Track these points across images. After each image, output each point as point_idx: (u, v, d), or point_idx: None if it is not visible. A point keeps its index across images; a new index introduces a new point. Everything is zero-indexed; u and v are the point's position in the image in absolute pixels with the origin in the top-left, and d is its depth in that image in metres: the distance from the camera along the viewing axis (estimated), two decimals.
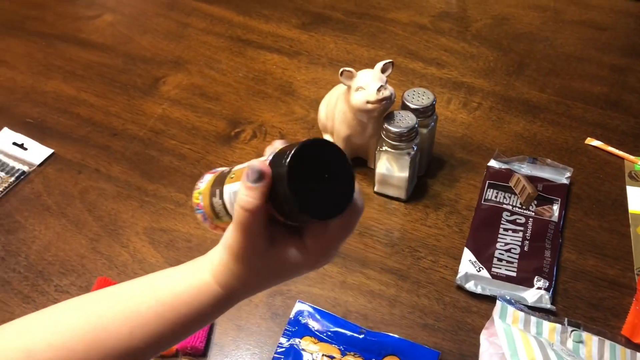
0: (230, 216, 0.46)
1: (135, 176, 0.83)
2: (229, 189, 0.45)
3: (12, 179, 0.82)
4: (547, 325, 0.64)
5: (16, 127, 0.89)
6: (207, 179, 0.49)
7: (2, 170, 0.83)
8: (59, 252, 0.74)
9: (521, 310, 0.65)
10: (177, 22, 1.08)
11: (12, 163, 0.84)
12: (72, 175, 0.83)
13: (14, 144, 0.87)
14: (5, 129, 0.89)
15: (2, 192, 0.81)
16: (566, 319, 0.64)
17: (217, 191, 0.46)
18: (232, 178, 0.45)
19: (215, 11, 1.10)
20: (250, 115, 0.91)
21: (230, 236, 0.42)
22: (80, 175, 0.83)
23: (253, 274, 0.43)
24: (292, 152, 0.39)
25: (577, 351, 0.62)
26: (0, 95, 0.95)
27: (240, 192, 0.40)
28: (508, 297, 0.66)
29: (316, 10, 1.10)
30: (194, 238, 0.75)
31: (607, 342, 0.63)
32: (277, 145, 0.44)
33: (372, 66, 0.74)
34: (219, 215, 0.47)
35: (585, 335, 0.63)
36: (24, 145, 0.87)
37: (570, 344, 0.62)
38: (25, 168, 0.84)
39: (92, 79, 0.97)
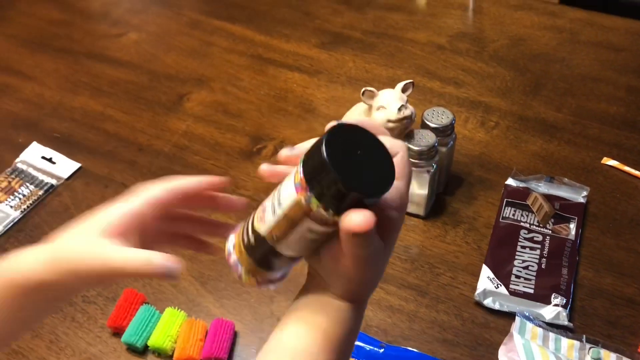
0: (291, 259, 0.42)
1: None
2: (295, 235, 0.40)
3: (41, 192, 0.85)
4: (565, 341, 0.65)
5: (45, 141, 0.92)
6: (234, 259, 0.43)
7: (31, 184, 0.86)
8: None
9: (540, 326, 0.66)
10: (201, 40, 1.11)
11: (41, 176, 0.87)
12: (99, 189, 0.85)
13: (43, 158, 0.89)
14: (35, 143, 0.92)
15: (31, 204, 0.83)
16: (584, 336, 0.65)
17: (273, 260, 0.42)
18: (272, 233, 0.40)
19: (237, 30, 1.13)
20: (271, 132, 0.93)
21: (349, 264, 0.40)
22: (107, 190, 0.85)
23: (377, 272, 0.43)
24: (324, 142, 0.36)
25: None
26: (29, 110, 0.98)
27: (349, 219, 0.36)
28: (527, 314, 0.67)
29: (335, 30, 1.12)
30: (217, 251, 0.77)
31: (625, 359, 0.64)
32: (286, 153, 0.42)
33: (390, 85, 0.76)
34: (278, 267, 0.43)
35: (603, 352, 0.64)
36: (53, 159, 0.89)
37: None
38: (54, 181, 0.86)
39: (118, 95, 1.00)
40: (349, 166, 0.36)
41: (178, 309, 0.70)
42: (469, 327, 0.69)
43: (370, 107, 0.76)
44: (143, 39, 1.12)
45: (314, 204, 0.37)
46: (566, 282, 0.71)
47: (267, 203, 0.40)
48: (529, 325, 0.66)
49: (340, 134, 0.38)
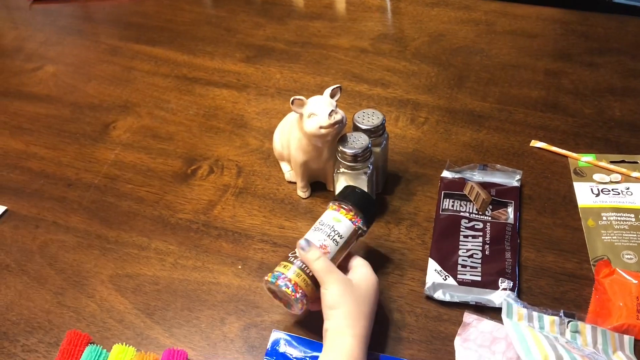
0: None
1: (94, 224, 0.82)
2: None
3: None
4: (547, 318, 0.66)
5: None
6: (301, 294, 0.64)
7: None
8: (23, 311, 0.72)
9: (525, 307, 0.67)
10: (122, 66, 1.08)
11: None
12: (30, 231, 0.81)
13: None
14: None
15: None
16: (562, 311, 0.67)
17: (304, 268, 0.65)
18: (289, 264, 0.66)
19: (159, 52, 1.11)
20: (205, 152, 0.91)
21: (328, 291, 0.62)
22: (38, 230, 0.81)
23: (358, 306, 0.62)
24: (365, 195, 0.70)
25: (575, 340, 0.64)
26: None
27: (307, 257, 0.64)
28: (513, 297, 0.68)
29: (259, 42, 1.12)
30: (160, 280, 0.75)
31: (599, 329, 0.65)
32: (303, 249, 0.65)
33: (319, 92, 0.76)
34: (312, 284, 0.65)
35: (580, 324, 0.65)
36: None
37: (568, 334, 0.65)
38: None
39: (40, 131, 0.96)
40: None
41: (126, 345, 0.67)
42: (422, 322, 0.69)
43: (301, 115, 0.75)
44: (61, 71, 1.08)
45: (362, 225, 0.69)
46: (511, 265, 0.73)
47: (325, 243, 0.65)
48: (515, 307, 0.66)
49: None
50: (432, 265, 0.73)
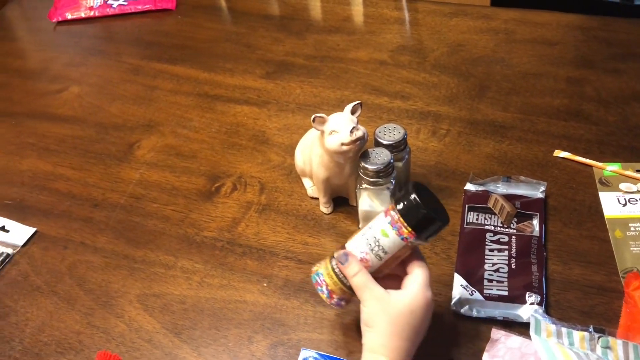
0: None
1: (121, 244, 0.83)
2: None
3: None
4: (577, 334, 0.65)
5: None
6: (338, 297, 0.65)
7: None
8: (54, 332, 0.74)
9: (553, 323, 0.66)
10: (144, 85, 1.10)
11: None
12: (58, 252, 0.83)
13: None
14: None
15: None
16: (592, 326, 0.66)
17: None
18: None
19: (180, 71, 1.12)
20: (228, 169, 0.92)
21: (364, 308, 0.61)
22: (67, 251, 0.83)
23: (393, 326, 0.60)
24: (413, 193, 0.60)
25: (606, 357, 0.63)
26: None
27: (345, 271, 0.63)
28: (541, 312, 0.67)
29: (278, 58, 1.13)
30: (187, 299, 0.75)
31: (630, 344, 0.64)
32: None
33: (339, 107, 0.77)
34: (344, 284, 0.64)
35: (610, 339, 0.64)
36: (5, 227, 0.86)
37: (599, 350, 0.64)
38: (10, 250, 0.83)
39: (66, 152, 0.98)
40: (434, 212, 0.61)
41: None
42: (450, 338, 0.69)
43: (322, 132, 0.76)
44: (85, 91, 1.10)
45: (415, 242, 0.61)
46: (538, 279, 0.72)
47: (366, 257, 0.62)
48: (543, 323, 0.66)
49: (420, 193, 0.60)
50: (458, 280, 0.73)
